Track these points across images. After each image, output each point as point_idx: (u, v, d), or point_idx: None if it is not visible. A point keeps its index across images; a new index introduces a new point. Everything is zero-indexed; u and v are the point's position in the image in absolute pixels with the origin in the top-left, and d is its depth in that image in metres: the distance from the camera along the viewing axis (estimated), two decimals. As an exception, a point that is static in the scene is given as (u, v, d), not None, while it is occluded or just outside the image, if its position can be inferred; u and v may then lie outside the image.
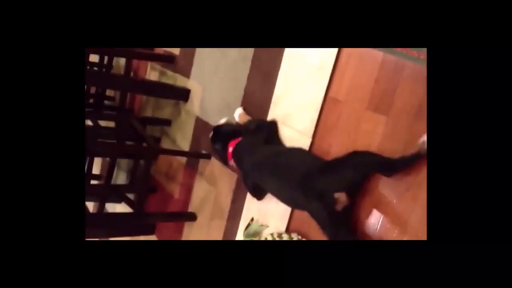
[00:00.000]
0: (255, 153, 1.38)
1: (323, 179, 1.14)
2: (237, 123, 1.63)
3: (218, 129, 1.59)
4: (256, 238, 1.49)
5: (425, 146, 1.00)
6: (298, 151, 1.34)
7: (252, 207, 1.55)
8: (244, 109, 1.64)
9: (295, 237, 1.35)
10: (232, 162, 1.50)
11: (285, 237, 1.37)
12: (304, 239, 1.34)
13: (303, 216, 1.29)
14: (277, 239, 1.40)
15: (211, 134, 1.60)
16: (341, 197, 1.10)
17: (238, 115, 1.63)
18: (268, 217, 1.46)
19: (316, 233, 1.26)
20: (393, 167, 1.08)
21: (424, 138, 1.01)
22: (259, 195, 1.49)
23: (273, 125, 1.48)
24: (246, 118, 1.61)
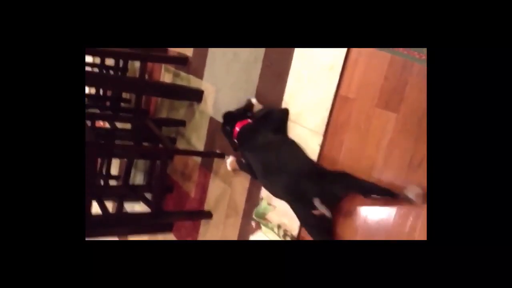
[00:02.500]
0: (256, 140, 1.45)
1: (308, 184, 1.22)
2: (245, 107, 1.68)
3: (228, 113, 1.65)
4: (265, 222, 1.52)
5: (408, 196, 1.06)
6: (291, 149, 1.39)
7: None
8: (258, 100, 1.67)
9: None
10: (235, 140, 1.58)
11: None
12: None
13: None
14: (280, 236, 1.42)
15: (222, 120, 1.66)
16: (318, 204, 1.19)
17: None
18: (282, 216, 1.48)
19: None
20: (371, 192, 1.16)
21: (411, 191, 1.05)
22: (254, 175, 1.55)
23: (283, 113, 1.51)
24: (258, 105, 1.66)
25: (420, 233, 1.05)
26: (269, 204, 1.54)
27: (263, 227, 1.53)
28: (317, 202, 1.18)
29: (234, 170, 1.71)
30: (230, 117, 1.63)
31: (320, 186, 1.21)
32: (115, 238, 2.89)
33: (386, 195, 1.12)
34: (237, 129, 1.56)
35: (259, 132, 1.48)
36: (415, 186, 1.05)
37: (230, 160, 1.71)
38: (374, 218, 1.17)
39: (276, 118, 1.51)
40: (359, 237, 1.20)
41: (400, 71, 1.14)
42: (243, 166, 1.62)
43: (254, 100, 1.66)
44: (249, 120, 1.58)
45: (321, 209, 1.18)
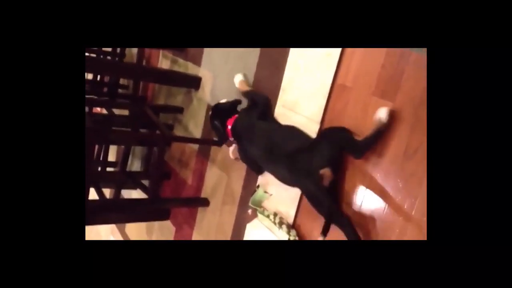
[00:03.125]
0: (252, 131, 1.47)
1: (306, 158, 1.24)
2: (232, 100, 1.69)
3: (217, 106, 1.66)
4: (261, 209, 1.53)
5: (382, 120, 1.11)
6: (287, 130, 1.40)
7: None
8: (245, 76, 1.71)
9: (292, 235, 1.39)
10: (232, 139, 1.59)
11: (284, 229, 1.41)
12: (298, 239, 1.39)
13: (311, 207, 1.33)
14: (276, 223, 1.43)
15: (210, 112, 1.66)
16: (326, 172, 1.19)
17: (239, 82, 1.71)
18: (278, 204, 1.49)
19: (320, 227, 1.30)
20: (358, 149, 1.17)
21: (379, 114, 1.12)
22: (257, 170, 1.59)
23: (267, 100, 1.56)
24: (245, 86, 1.68)
25: (413, 222, 1.06)
26: (265, 192, 1.54)
27: (259, 215, 1.54)
28: (323, 171, 1.20)
29: (236, 158, 1.72)
30: (219, 111, 1.64)
31: (316, 153, 1.22)
32: (113, 225, 2.92)
33: (376, 138, 1.15)
34: (229, 127, 1.57)
35: (250, 120, 1.50)
36: (382, 108, 1.12)
37: (232, 149, 1.72)
38: (368, 206, 1.18)
39: (260, 104, 1.55)
40: (354, 224, 1.21)
41: (397, 60, 1.13)
42: (244, 158, 1.63)
43: (240, 76, 1.69)
44: (237, 115, 1.59)
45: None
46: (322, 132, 1.30)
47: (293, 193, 1.41)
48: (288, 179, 1.35)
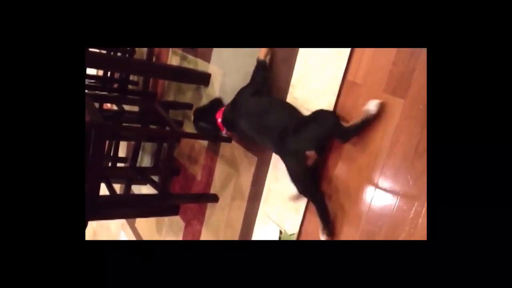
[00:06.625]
0: (243, 108, 1.51)
1: (295, 139, 1.29)
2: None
3: (197, 110, 1.72)
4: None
5: (369, 112, 1.17)
6: (278, 106, 1.43)
7: (272, 188, 1.59)
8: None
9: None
10: (226, 132, 1.63)
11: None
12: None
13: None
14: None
15: (192, 118, 1.71)
16: (311, 154, 1.26)
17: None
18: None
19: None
20: (346, 134, 1.24)
21: (368, 106, 1.17)
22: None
23: (263, 78, 1.59)
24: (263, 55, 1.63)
25: (424, 220, 1.05)
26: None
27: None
28: (309, 153, 1.26)
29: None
30: (202, 114, 1.69)
31: (304, 135, 1.27)
32: (123, 220, 2.95)
33: (364, 126, 1.21)
34: (219, 120, 1.61)
35: (243, 98, 1.54)
36: (372, 100, 1.18)
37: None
38: (378, 203, 1.18)
39: (255, 81, 1.58)
40: (363, 222, 1.21)
41: (408, 56, 1.12)
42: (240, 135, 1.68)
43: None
44: (223, 108, 1.62)
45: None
46: (312, 114, 1.31)
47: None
48: (274, 151, 1.42)
